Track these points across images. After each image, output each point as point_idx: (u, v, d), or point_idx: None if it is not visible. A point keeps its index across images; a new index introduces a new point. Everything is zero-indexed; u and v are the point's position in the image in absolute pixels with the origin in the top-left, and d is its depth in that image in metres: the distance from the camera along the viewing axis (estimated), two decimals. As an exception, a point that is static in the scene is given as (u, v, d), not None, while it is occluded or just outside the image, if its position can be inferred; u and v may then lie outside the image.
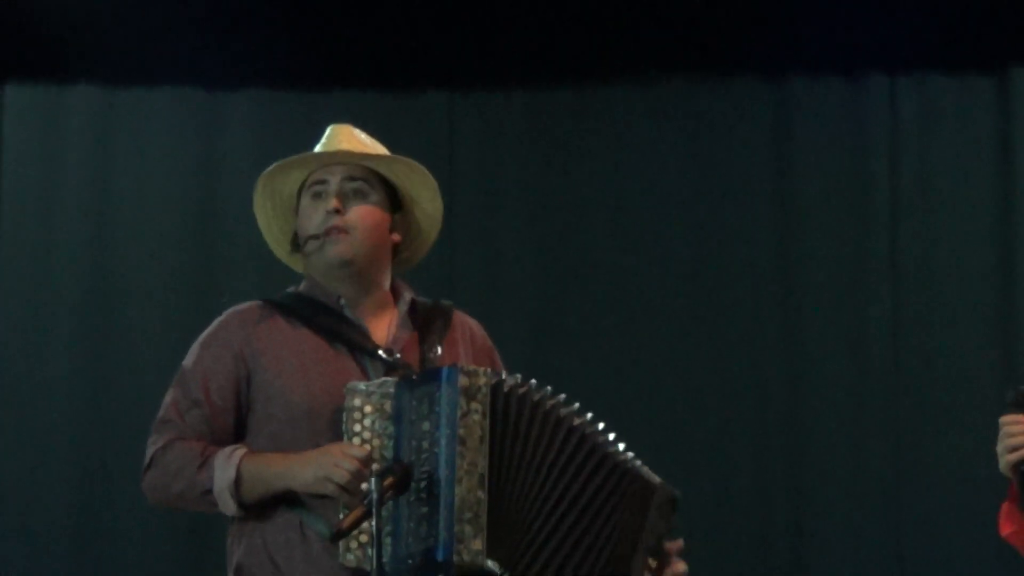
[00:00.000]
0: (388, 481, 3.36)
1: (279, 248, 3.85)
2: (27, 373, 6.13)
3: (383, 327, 3.70)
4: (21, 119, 6.22)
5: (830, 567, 6.12)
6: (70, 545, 6.06)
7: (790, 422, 6.21)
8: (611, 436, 3.60)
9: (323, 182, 3.71)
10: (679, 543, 3.67)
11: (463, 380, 3.44)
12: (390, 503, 3.41)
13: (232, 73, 6.21)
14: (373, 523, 3.28)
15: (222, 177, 6.25)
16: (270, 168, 3.75)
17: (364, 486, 3.37)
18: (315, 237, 3.67)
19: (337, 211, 3.66)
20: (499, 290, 6.26)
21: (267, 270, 5.97)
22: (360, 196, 3.70)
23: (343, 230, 3.66)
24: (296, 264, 3.83)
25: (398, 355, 3.64)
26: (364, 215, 3.69)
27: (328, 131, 3.84)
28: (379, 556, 3.27)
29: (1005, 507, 3.69)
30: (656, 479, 3.64)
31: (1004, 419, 3.53)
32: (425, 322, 3.74)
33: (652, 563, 3.61)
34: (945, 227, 6.23)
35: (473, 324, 3.84)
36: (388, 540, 3.43)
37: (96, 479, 6.08)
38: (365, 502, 3.33)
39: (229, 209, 6.21)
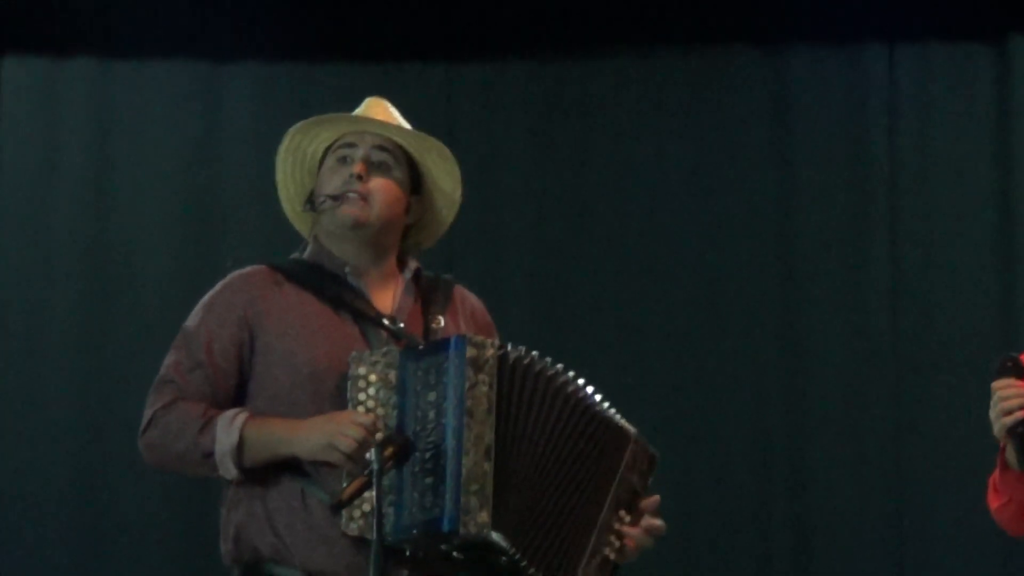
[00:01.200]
0: (389, 451, 3.37)
1: (289, 206, 3.84)
2: (23, 348, 6.12)
3: (388, 296, 3.71)
4: (19, 92, 6.21)
5: (831, 547, 6.13)
6: (67, 540, 6.05)
7: (790, 396, 6.20)
8: (601, 399, 3.61)
9: (351, 146, 3.72)
10: (655, 499, 3.65)
11: (471, 351, 3.44)
12: (393, 473, 3.41)
13: (231, 46, 6.21)
14: (374, 493, 3.29)
15: (221, 149, 6.25)
16: (303, 123, 3.76)
17: (367, 456, 3.37)
18: (333, 197, 3.67)
19: (360, 177, 3.66)
20: (498, 265, 6.26)
21: (267, 243, 6.02)
22: (384, 169, 3.70)
23: (362, 197, 3.66)
24: (303, 225, 3.82)
25: (402, 324, 3.64)
26: (384, 188, 3.69)
27: (365, 102, 3.84)
28: (380, 526, 3.28)
29: (993, 479, 3.69)
30: (632, 430, 3.64)
31: (995, 384, 3.56)
32: (428, 292, 3.75)
33: (625, 516, 3.60)
34: (944, 196, 6.23)
35: (474, 300, 3.86)
36: (391, 510, 3.42)
37: (94, 467, 6.08)
38: (366, 472, 3.34)
39: (228, 181, 6.21)
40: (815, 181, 6.28)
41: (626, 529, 3.59)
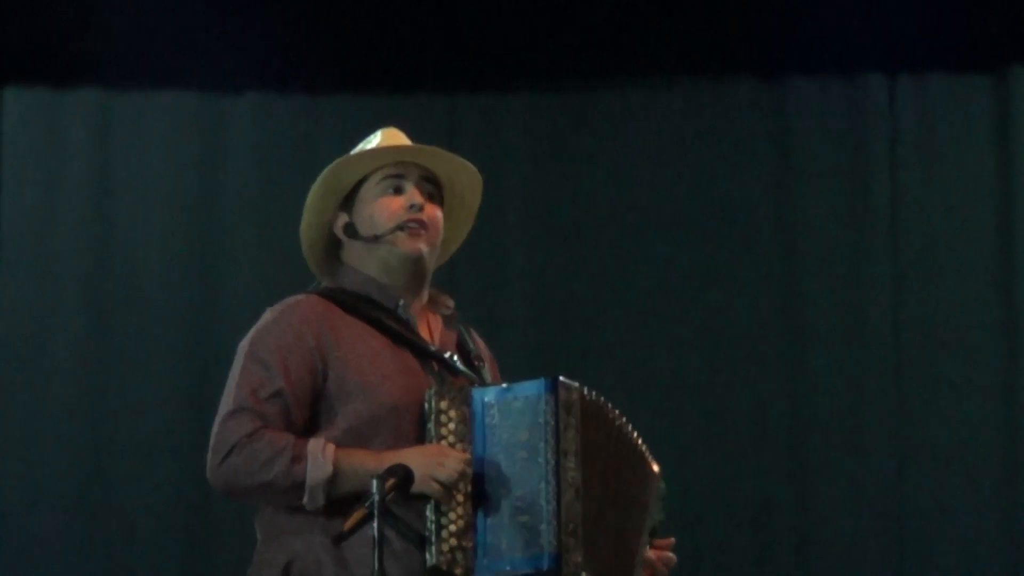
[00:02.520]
0: (390, 483, 3.36)
1: (312, 232, 3.76)
2: (28, 374, 6.12)
3: (425, 330, 3.71)
4: (21, 122, 6.21)
5: (832, 553, 6.13)
6: (69, 547, 6.06)
7: (792, 421, 6.22)
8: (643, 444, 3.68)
9: (400, 177, 3.69)
10: (671, 541, 3.71)
11: (563, 393, 3.47)
12: (473, 510, 3.45)
13: (232, 76, 6.21)
14: (375, 524, 3.29)
15: (223, 180, 6.26)
16: (351, 154, 3.71)
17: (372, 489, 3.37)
18: (400, 228, 3.63)
19: (421, 207, 3.65)
20: (499, 293, 6.26)
21: (267, 272, 6.04)
22: (433, 199, 3.71)
23: (422, 226, 3.66)
24: (317, 253, 3.75)
25: (457, 360, 3.66)
26: (436, 218, 3.70)
27: (379, 133, 3.79)
28: (381, 556, 3.28)
29: None
30: (656, 466, 3.71)
31: None
32: (458, 329, 3.78)
33: (648, 548, 3.67)
34: (945, 226, 6.25)
35: (479, 338, 3.86)
36: (469, 546, 3.44)
37: (96, 480, 6.10)
38: (367, 504, 3.32)
39: (230, 211, 6.22)
40: (816, 210, 6.29)
41: (651, 557, 3.66)
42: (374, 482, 3.32)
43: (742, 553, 6.15)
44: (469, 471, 3.46)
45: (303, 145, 6.13)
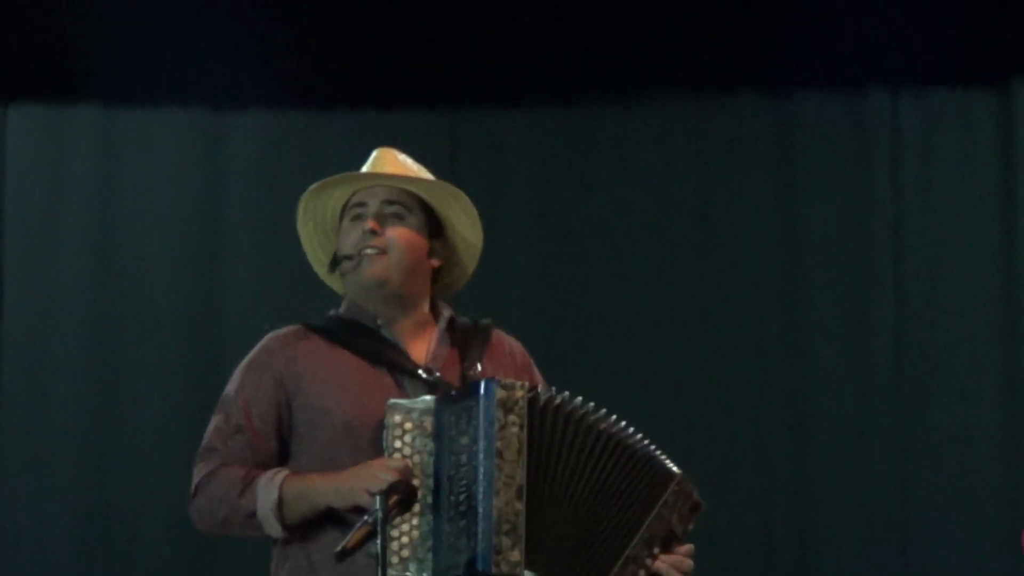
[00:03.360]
0: (393, 499, 3.38)
1: (320, 267, 3.87)
2: (32, 390, 6.15)
3: (422, 346, 3.74)
4: (25, 139, 6.24)
5: (834, 556, 6.13)
6: (74, 556, 6.07)
7: (794, 425, 6.22)
8: (644, 440, 3.63)
9: (362, 204, 3.74)
10: (689, 547, 3.65)
11: (500, 393, 3.46)
12: (431, 517, 3.47)
13: (235, 93, 6.23)
14: (379, 540, 3.30)
15: (226, 196, 6.27)
16: (312, 187, 3.77)
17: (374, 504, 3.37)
18: (349, 257, 3.70)
19: (374, 232, 3.69)
20: (501, 309, 6.24)
21: (271, 289, 6.05)
22: (398, 219, 3.73)
23: (380, 251, 3.69)
24: (337, 284, 3.85)
25: (438, 374, 3.67)
26: (401, 236, 3.72)
27: (374, 154, 3.84)
28: (384, 572, 3.28)
29: None
30: (677, 472, 3.65)
31: None
32: (464, 340, 3.79)
33: (657, 552, 3.61)
34: (948, 241, 6.25)
35: (513, 342, 3.90)
36: (429, 555, 3.47)
37: (99, 492, 6.13)
38: (370, 520, 3.34)
39: (233, 228, 6.22)
40: (819, 225, 6.29)
41: (656, 565, 3.60)
42: (377, 499, 3.34)
43: (743, 556, 6.14)
44: (414, 480, 3.47)
45: (305, 161, 6.13)
